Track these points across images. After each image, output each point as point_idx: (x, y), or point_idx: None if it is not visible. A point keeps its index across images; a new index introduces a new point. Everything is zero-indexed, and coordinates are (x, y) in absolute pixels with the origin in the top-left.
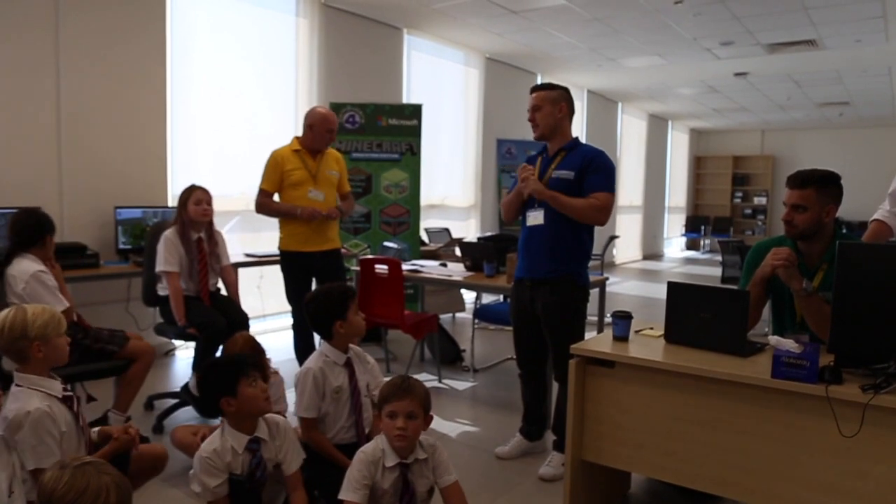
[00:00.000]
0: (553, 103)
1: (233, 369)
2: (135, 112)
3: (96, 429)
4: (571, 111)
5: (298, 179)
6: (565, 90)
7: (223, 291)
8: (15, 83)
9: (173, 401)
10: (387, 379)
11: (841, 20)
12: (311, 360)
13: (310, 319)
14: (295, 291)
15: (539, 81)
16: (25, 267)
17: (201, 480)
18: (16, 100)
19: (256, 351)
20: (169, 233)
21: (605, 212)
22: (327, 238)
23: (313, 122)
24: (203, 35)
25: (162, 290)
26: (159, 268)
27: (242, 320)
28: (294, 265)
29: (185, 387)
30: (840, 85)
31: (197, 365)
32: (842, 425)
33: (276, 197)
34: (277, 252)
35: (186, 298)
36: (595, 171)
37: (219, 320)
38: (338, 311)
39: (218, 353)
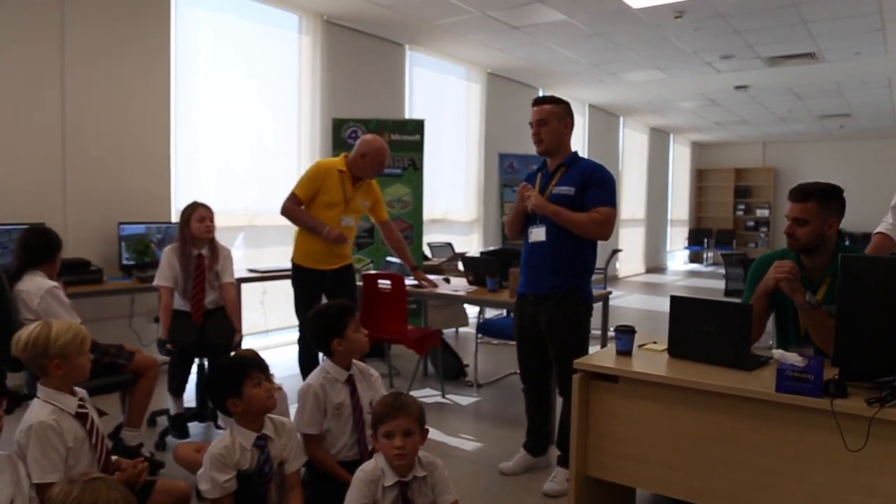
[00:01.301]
0: (559, 119)
1: (236, 372)
2: (139, 128)
3: (115, 458)
4: (573, 126)
5: (333, 200)
6: (568, 104)
7: None
8: (20, 99)
9: None
10: None
11: (840, 33)
12: (313, 377)
13: (310, 336)
14: (304, 305)
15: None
16: (39, 283)
17: (211, 476)
18: (21, 116)
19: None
20: (168, 248)
21: (607, 226)
22: (342, 256)
23: (367, 152)
24: (207, 52)
25: None
26: (154, 282)
27: (224, 341)
28: (306, 280)
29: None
30: (840, 97)
31: (169, 383)
32: (847, 439)
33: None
34: (281, 267)
35: (178, 313)
36: (596, 186)
37: (188, 338)
38: (335, 330)
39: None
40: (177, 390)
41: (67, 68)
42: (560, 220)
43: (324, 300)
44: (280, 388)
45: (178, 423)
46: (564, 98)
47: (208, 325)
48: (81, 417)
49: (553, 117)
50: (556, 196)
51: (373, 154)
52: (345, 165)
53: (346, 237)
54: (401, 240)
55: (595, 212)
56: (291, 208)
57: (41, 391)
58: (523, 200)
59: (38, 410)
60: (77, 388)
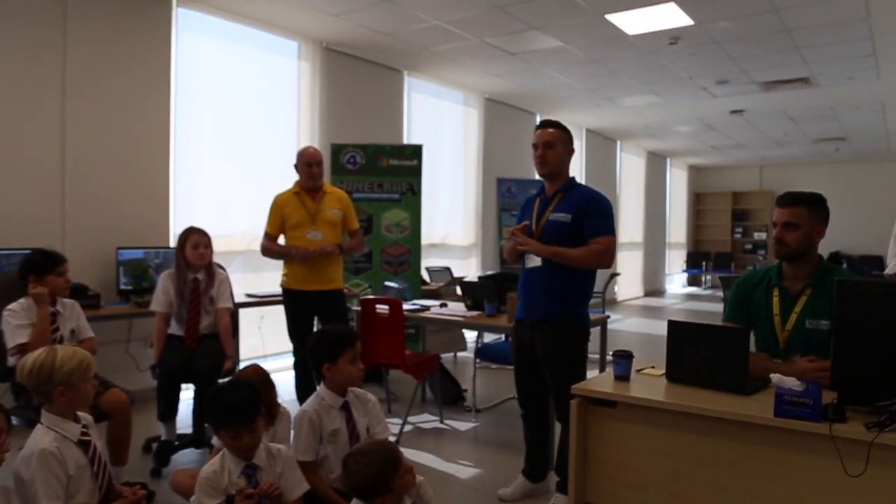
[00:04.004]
0: (565, 144)
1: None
2: (138, 153)
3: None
4: (573, 153)
5: (297, 221)
6: (570, 132)
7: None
8: (20, 124)
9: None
10: (389, 420)
11: (832, 59)
12: (308, 403)
13: (308, 353)
14: (294, 328)
15: (538, 121)
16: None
17: (199, 500)
18: (20, 141)
19: (267, 386)
20: (165, 274)
21: (608, 256)
22: (328, 278)
23: (297, 163)
24: (207, 78)
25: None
26: (150, 307)
27: (209, 368)
28: (293, 302)
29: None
30: (835, 121)
31: (157, 408)
32: (847, 464)
33: (281, 239)
34: (278, 292)
35: (172, 338)
36: (593, 215)
37: (171, 363)
38: (329, 354)
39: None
40: (163, 416)
41: (68, 93)
42: (561, 260)
43: (316, 324)
44: (286, 412)
45: (161, 451)
46: (562, 123)
47: (198, 351)
48: (84, 445)
49: (560, 142)
50: (553, 222)
51: (298, 159)
52: (298, 187)
53: (311, 251)
54: (357, 245)
55: (595, 242)
56: (265, 246)
57: (45, 417)
58: (519, 245)
59: (40, 437)
60: (81, 415)
